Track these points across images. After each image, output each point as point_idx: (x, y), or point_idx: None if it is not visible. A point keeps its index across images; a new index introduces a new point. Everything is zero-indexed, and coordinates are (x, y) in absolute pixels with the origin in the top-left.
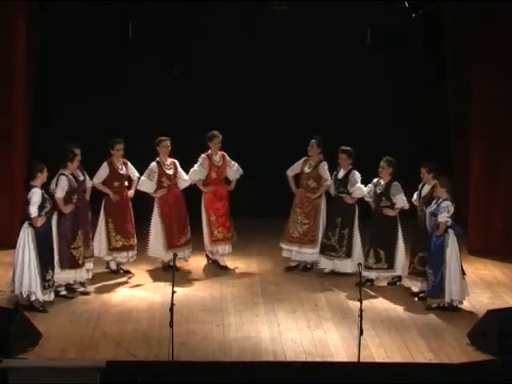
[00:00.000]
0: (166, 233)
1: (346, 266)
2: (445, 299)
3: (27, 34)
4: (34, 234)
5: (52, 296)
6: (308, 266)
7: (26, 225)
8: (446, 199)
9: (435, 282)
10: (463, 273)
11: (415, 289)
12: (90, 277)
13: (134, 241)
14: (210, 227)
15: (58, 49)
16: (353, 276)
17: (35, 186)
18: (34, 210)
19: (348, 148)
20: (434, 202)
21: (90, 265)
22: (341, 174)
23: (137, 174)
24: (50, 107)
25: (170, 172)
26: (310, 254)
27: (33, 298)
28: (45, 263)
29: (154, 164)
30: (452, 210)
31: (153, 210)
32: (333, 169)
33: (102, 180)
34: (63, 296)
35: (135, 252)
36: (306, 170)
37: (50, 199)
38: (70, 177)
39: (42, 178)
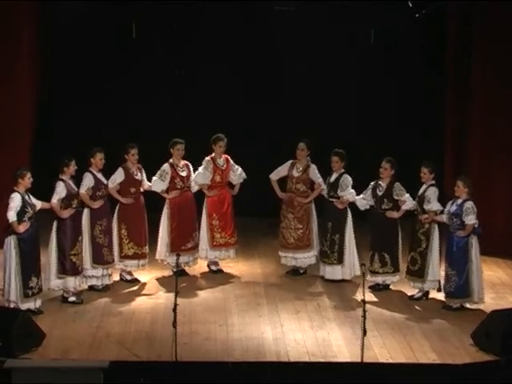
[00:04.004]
0: (173, 235)
1: (336, 272)
2: (473, 298)
3: (30, 34)
4: (16, 241)
5: (38, 303)
6: (301, 271)
7: (9, 230)
8: (467, 199)
9: (459, 283)
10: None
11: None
12: (111, 282)
13: (146, 249)
14: (211, 232)
15: (60, 49)
16: (357, 278)
17: (15, 191)
18: (11, 215)
19: (340, 150)
20: (452, 202)
21: (110, 270)
22: (332, 177)
23: (149, 184)
24: (51, 107)
25: (184, 174)
26: (305, 258)
27: (12, 305)
28: (27, 270)
29: (166, 165)
30: (476, 210)
31: (162, 211)
32: (323, 171)
33: (116, 184)
34: (72, 302)
35: (146, 260)
36: (295, 173)
37: (77, 197)
38: (69, 182)
39: (23, 183)
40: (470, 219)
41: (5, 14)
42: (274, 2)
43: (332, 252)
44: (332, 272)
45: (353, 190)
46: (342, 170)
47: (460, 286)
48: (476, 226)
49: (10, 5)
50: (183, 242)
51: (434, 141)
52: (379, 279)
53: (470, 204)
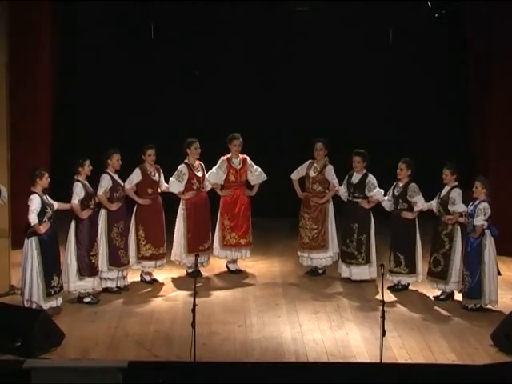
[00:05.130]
0: (189, 236)
1: (364, 272)
2: (485, 300)
3: (51, 35)
4: (38, 242)
5: (60, 301)
6: (319, 271)
7: (29, 232)
8: (483, 201)
9: (473, 284)
10: (498, 273)
11: (436, 292)
12: (128, 283)
13: (164, 249)
14: (222, 231)
15: (77, 49)
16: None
17: (34, 192)
18: (33, 218)
19: (362, 150)
20: (471, 203)
21: (125, 272)
22: (355, 178)
23: (166, 185)
24: (68, 108)
25: (199, 174)
26: (320, 258)
27: (33, 306)
28: (49, 270)
29: (183, 165)
30: (488, 212)
31: (177, 212)
32: (342, 171)
33: (133, 185)
34: (88, 303)
35: (164, 261)
36: (312, 173)
37: (94, 197)
38: (85, 182)
39: (41, 183)
40: (478, 220)
41: (26, 14)
42: (292, 2)
43: (359, 253)
44: (360, 273)
45: (382, 190)
46: (365, 171)
47: (473, 286)
48: (484, 227)
49: (30, 5)
50: (200, 242)
51: (457, 142)
52: (394, 279)
53: (482, 205)
